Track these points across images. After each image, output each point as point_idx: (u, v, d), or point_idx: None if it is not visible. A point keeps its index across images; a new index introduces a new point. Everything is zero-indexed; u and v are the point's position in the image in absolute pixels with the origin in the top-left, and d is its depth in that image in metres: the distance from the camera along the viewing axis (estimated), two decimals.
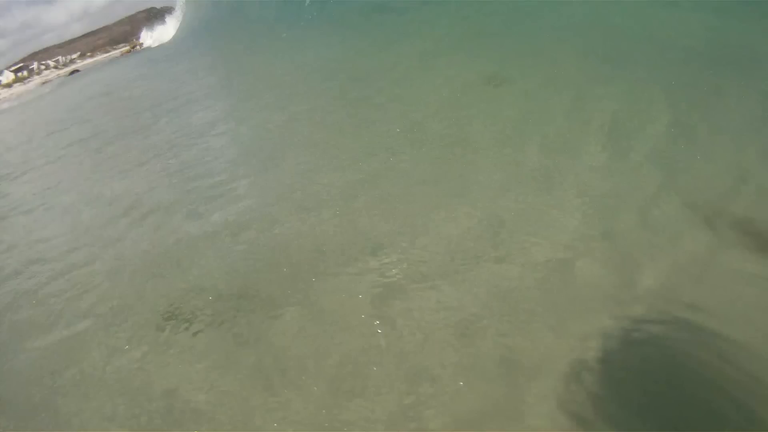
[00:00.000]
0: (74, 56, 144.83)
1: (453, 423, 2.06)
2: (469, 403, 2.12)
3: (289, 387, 2.46)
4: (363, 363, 2.46)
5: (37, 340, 3.52)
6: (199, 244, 4.07)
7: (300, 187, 4.50)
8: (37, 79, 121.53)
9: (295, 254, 3.47)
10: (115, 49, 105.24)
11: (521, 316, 2.44)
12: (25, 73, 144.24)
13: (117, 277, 4.03)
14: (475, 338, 2.39)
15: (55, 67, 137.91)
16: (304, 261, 3.37)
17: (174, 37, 25.04)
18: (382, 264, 3.10)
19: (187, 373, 2.77)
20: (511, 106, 4.83)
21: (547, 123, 4.27)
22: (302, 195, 4.34)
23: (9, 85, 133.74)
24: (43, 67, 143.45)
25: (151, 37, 33.60)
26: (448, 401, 2.15)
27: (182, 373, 2.78)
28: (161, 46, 24.96)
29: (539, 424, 1.96)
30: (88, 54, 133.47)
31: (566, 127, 4.10)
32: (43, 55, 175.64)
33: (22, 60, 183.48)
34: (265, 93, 8.05)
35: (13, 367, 3.30)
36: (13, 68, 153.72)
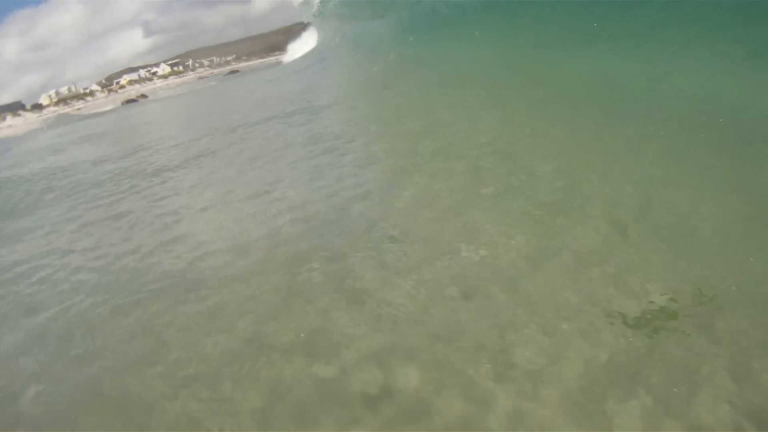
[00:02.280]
0: (229, 58, 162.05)
1: None
2: None
3: None
4: None
5: None
6: None
7: None
8: (191, 75, 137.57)
9: None
10: (270, 56, 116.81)
11: None
12: (180, 68, 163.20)
13: None
14: None
15: (209, 66, 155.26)
16: None
17: (316, 47, 29.18)
18: None
19: None
20: None
21: None
22: None
23: (165, 77, 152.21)
24: (197, 64, 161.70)
25: (297, 48, 38.98)
26: None
27: None
28: (307, 55, 29.44)
29: None
30: (243, 58, 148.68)
31: None
32: (198, 54, 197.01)
33: (179, 56, 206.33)
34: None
35: None
36: (169, 62, 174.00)
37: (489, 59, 8.61)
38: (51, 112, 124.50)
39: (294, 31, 52.53)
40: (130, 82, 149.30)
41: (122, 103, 67.26)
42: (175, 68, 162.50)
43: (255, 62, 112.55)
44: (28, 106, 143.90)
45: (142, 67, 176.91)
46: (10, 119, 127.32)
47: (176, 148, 9.85)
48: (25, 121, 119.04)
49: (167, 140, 11.62)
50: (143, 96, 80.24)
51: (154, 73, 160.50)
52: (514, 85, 7.11)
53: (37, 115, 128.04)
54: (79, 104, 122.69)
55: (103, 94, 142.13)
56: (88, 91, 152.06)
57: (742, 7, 5.35)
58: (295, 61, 31.36)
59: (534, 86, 6.65)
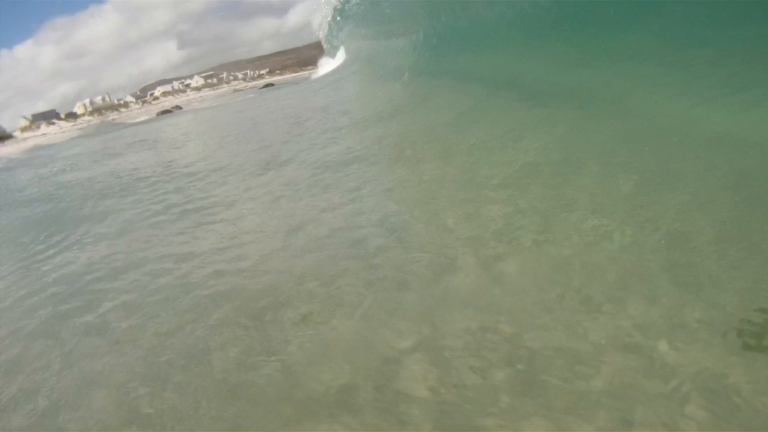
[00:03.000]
0: (263, 72, 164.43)
1: None
2: None
3: None
4: None
5: None
6: None
7: None
8: (225, 87, 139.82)
9: None
10: (303, 70, 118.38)
11: None
12: (214, 80, 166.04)
13: None
14: None
15: (243, 79, 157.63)
16: None
17: (345, 62, 29.60)
18: None
19: None
20: None
21: None
22: None
23: (198, 89, 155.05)
24: (231, 77, 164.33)
25: (327, 63, 39.58)
26: None
27: None
28: (337, 70, 29.80)
29: None
30: (277, 72, 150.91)
31: None
32: (232, 66, 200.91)
33: (212, 69, 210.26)
34: None
35: None
36: (203, 75, 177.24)
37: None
38: (85, 121, 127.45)
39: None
40: (164, 94, 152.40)
41: (157, 114, 68.42)
42: (209, 81, 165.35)
43: (288, 76, 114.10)
44: (62, 115, 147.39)
45: (176, 79, 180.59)
46: (44, 127, 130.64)
47: (241, 156, 9.61)
48: (59, 129, 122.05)
49: (228, 146, 11.46)
50: (178, 107, 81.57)
51: (188, 85, 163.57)
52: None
53: (72, 124, 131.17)
54: (114, 115, 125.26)
55: (137, 106, 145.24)
56: (122, 102, 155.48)
57: None
58: (325, 76, 31.55)
59: None
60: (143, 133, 25.24)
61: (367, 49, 21.83)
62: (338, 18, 27.59)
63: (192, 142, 15.46)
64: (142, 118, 59.69)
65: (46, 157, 26.73)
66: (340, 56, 32.47)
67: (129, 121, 58.86)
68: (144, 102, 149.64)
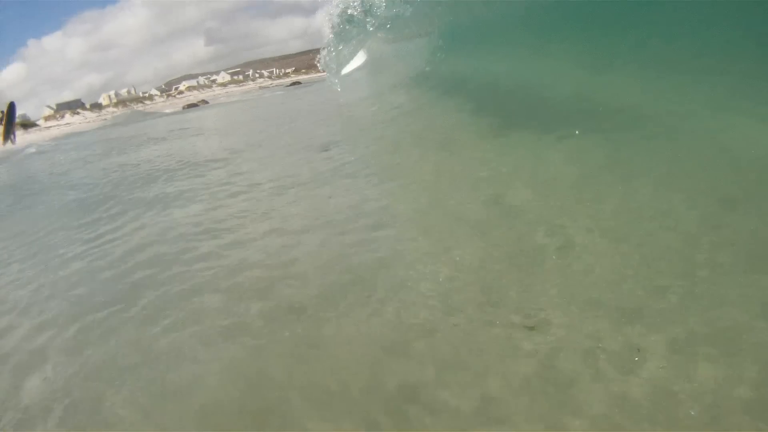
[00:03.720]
0: (289, 70, 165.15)
1: None
2: None
3: None
4: None
5: None
6: None
7: None
8: (251, 84, 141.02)
9: None
10: None
11: None
12: (240, 77, 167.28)
13: None
14: None
15: (269, 77, 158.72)
16: None
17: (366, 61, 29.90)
18: None
19: None
20: None
21: None
22: None
23: (224, 85, 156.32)
24: (257, 75, 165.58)
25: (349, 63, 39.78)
26: None
27: None
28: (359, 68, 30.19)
29: None
30: (303, 70, 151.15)
31: None
32: (258, 64, 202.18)
33: (239, 66, 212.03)
34: None
35: None
36: (230, 71, 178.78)
37: None
38: (110, 112, 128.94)
39: None
40: (189, 89, 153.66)
41: (183, 108, 69.07)
42: (235, 77, 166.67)
43: (314, 75, 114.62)
44: (87, 105, 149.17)
45: (202, 75, 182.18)
46: (68, 117, 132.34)
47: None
48: (84, 119, 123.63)
49: (285, 130, 11.42)
50: (204, 101, 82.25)
51: (214, 81, 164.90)
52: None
53: (96, 114, 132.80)
54: (139, 107, 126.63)
55: (161, 99, 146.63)
56: (147, 95, 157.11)
57: None
58: (348, 74, 31.49)
59: None
60: (181, 123, 25.41)
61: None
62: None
63: (242, 128, 15.45)
64: (170, 110, 60.26)
65: (81, 142, 27.02)
66: (361, 55, 32.41)
67: (162, 111, 59.51)
68: (168, 95, 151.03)
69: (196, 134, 16.45)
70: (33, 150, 29.10)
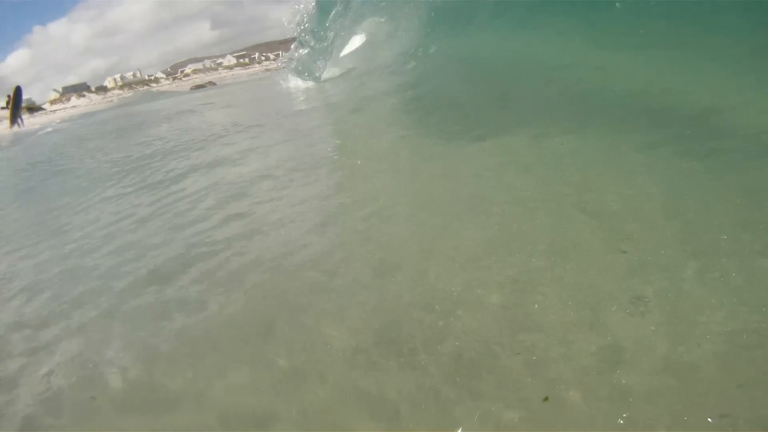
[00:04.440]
0: None
1: None
2: None
3: None
4: None
5: None
6: None
7: None
8: (257, 67, 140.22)
9: None
10: None
11: None
12: (246, 60, 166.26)
13: None
14: None
15: (275, 60, 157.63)
16: None
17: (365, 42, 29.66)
18: None
19: None
20: None
21: None
22: None
23: (230, 68, 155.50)
24: (263, 58, 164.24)
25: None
26: None
27: None
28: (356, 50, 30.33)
29: None
30: None
31: None
32: (264, 48, 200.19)
33: (245, 49, 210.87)
34: None
35: None
36: (236, 54, 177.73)
37: None
38: (115, 95, 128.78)
39: None
40: (195, 71, 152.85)
41: (190, 89, 68.86)
42: (241, 60, 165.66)
43: None
44: (92, 88, 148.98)
45: (208, 58, 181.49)
46: (74, 99, 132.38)
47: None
48: (90, 102, 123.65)
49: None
50: (211, 83, 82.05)
51: (219, 64, 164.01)
52: None
53: (101, 96, 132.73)
54: (145, 89, 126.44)
55: (167, 81, 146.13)
56: (153, 78, 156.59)
57: None
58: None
59: None
60: (201, 99, 25.31)
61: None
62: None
63: (267, 101, 15.36)
64: (184, 90, 60.08)
65: (101, 119, 27.00)
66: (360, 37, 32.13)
67: (175, 91, 59.33)
68: (174, 78, 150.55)
69: (226, 106, 16.42)
70: (50, 129, 29.12)
